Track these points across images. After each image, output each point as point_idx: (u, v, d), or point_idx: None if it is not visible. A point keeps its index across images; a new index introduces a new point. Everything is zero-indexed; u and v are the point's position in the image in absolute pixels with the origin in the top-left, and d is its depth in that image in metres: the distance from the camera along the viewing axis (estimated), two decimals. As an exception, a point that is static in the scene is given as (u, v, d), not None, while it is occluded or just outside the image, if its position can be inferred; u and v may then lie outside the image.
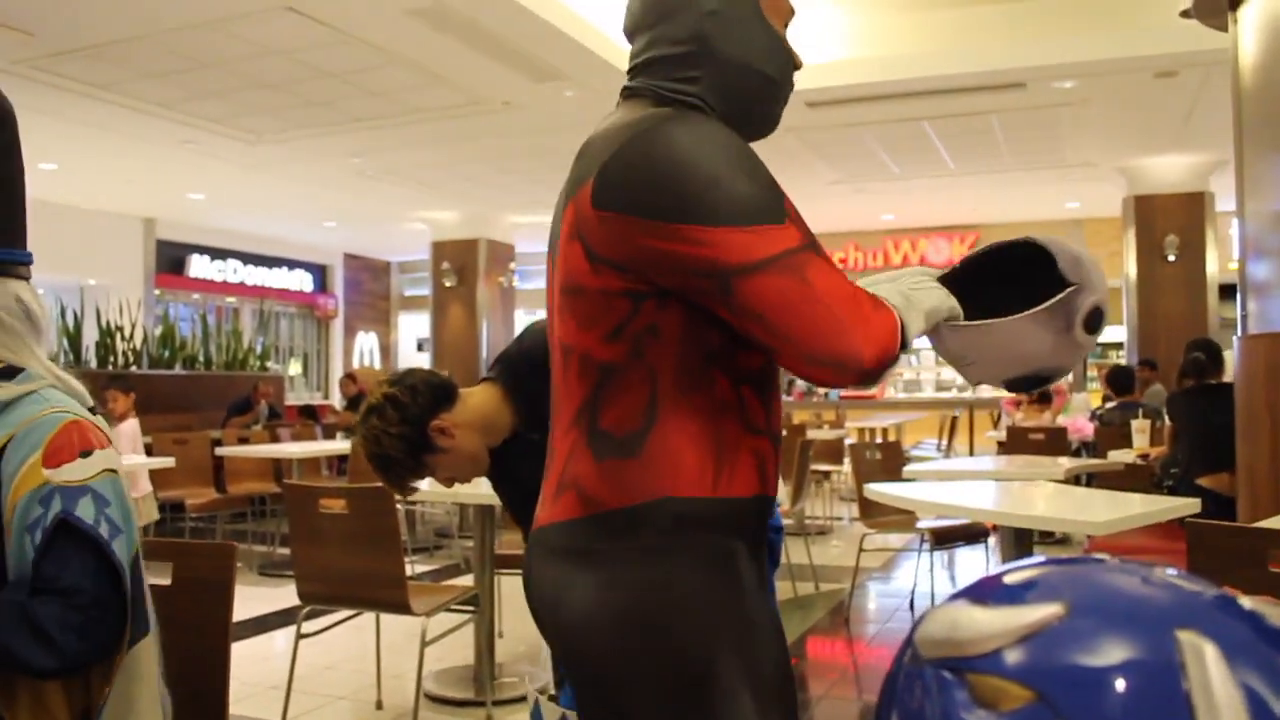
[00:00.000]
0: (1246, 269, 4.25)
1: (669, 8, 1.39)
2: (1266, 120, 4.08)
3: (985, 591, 0.60)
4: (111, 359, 10.14)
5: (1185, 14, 4.71)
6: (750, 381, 1.33)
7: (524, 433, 2.32)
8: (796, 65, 1.43)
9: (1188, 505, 3.19)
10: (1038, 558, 0.65)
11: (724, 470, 1.30)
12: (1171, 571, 0.60)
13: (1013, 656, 0.55)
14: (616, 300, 1.28)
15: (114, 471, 1.49)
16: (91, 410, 1.56)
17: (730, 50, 1.37)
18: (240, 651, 4.93)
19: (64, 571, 1.41)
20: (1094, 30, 7.67)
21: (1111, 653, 0.52)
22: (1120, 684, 0.51)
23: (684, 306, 1.27)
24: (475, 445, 2.26)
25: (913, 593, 5.89)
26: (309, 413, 10.99)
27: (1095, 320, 1.36)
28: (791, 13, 1.44)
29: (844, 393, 15.68)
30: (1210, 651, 0.51)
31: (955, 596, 0.61)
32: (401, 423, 2.18)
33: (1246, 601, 0.57)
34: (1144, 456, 5.88)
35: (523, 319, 17.61)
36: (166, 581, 1.97)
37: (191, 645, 1.93)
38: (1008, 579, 0.61)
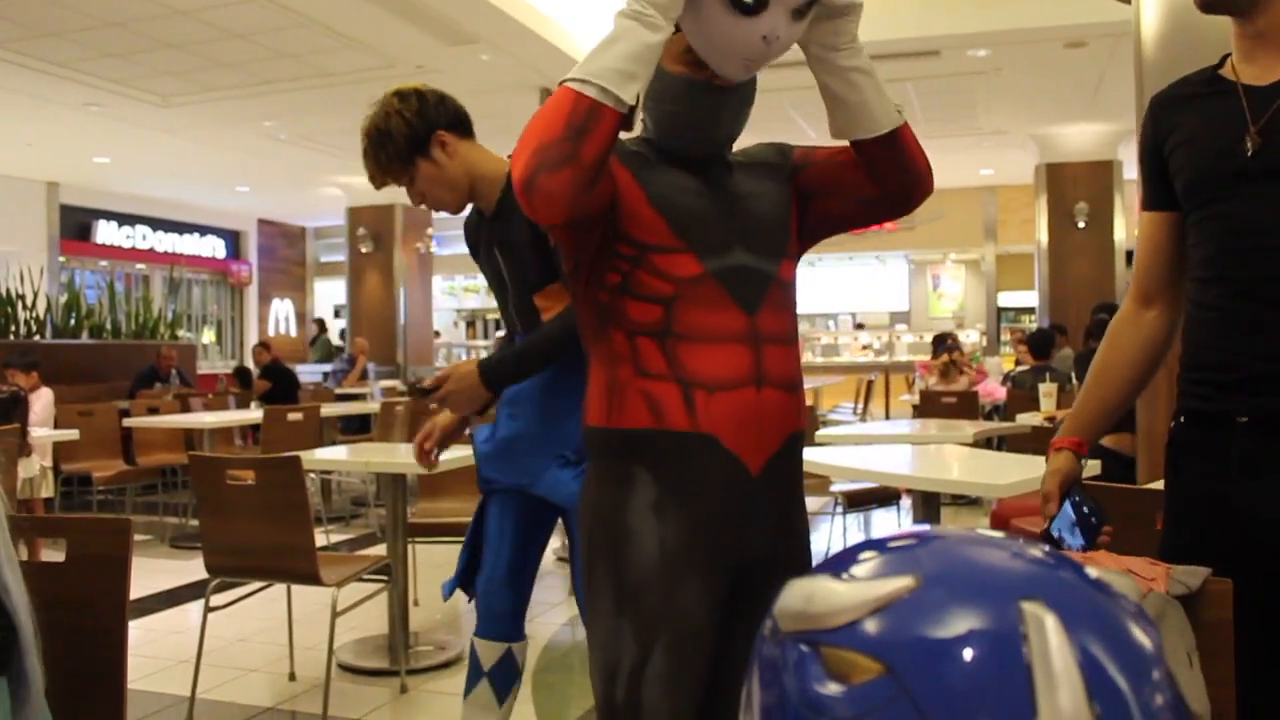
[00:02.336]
0: (1147, 236, 4.35)
1: None
2: (1167, 90, 4.16)
3: (843, 564, 0.61)
4: (13, 329, 9.83)
5: (1091, -16, 4.78)
6: (646, 334, 1.57)
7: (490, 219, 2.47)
8: (707, 86, 1.59)
9: (1086, 468, 3.27)
10: (904, 529, 0.66)
11: (614, 406, 1.60)
12: (1027, 543, 0.61)
13: (864, 629, 0.55)
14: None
15: None
16: None
17: (648, 96, 1.62)
18: (150, 625, 4.87)
19: None
20: (1006, 0, 7.77)
21: (957, 624, 0.53)
22: (964, 655, 0.52)
23: (583, 276, 1.61)
24: (461, 181, 2.42)
25: (826, 554, 5.97)
26: (243, 376, 10.66)
27: None
28: (681, 47, 1.57)
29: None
30: (1050, 621, 0.52)
31: (815, 569, 0.62)
32: (418, 114, 2.35)
33: (1093, 570, 0.58)
34: (1050, 419, 6.02)
35: (441, 285, 17.46)
36: (60, 558, 1.92)
37: (87, 624, 1.89)
38: (866, 552, 0.61)
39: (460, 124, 2.41)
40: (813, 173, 1.72)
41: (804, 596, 0.58)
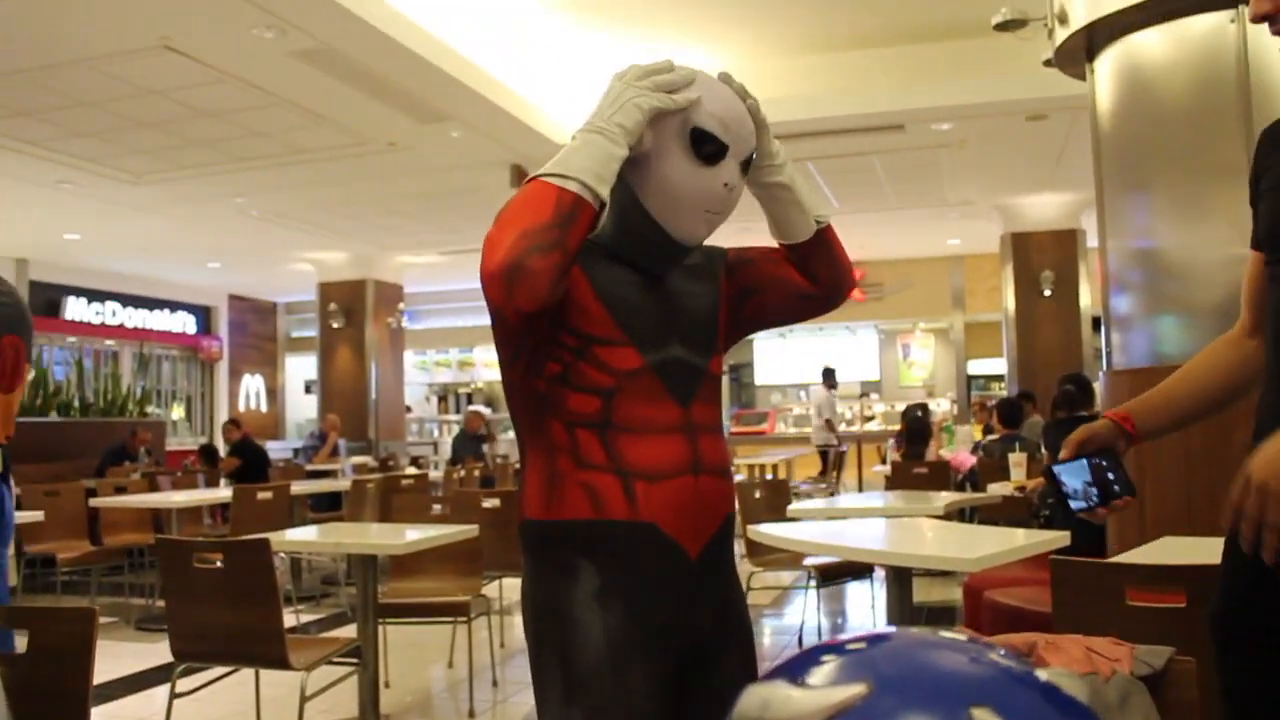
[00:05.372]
0: (1109, 304, 4.43)
1: None
2: (1123, 163, 4.26)
3: (799, 669, 0.61)
4: (-21, 407, 9.71)
5: (1048, 63, 4.91)
6: (585, 425, 1.59)
7: None
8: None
9: (1056, 539, 3.28)
10: (860, 632, 0.67)
11: (554, 498, 1.60)
12: (983, 645, 0.62)
13: (819, 738, 0.56)
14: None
15: None
16: None
17: (620, 209, 1.64)
18: (115, 712, 4.77)
19: None
20: (968, 75, 7.96)
21: (909, 733, 0.54)
22: (916, 764, 0.53)
23: (521, 364, 1.61)
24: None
25: (801, 629, 5.95)
26: (209, 454, 10.55)
27: (698, 140, 1.57)
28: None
29: (733, 429, 15.85)
30: (999, 729, 0.53)
31: (772, 674, 0.63)
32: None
33: (1043, 674, 0.59)
34: (1020, 489, 6.05)
35: (412, 360, 17.42)
36: (22, 649, 1.89)
37: (50, 715, 1.85)
38: (822, 656, 0.62)
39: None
40: (750, 270, 1.80)
41: (760, 703, 0.59)
